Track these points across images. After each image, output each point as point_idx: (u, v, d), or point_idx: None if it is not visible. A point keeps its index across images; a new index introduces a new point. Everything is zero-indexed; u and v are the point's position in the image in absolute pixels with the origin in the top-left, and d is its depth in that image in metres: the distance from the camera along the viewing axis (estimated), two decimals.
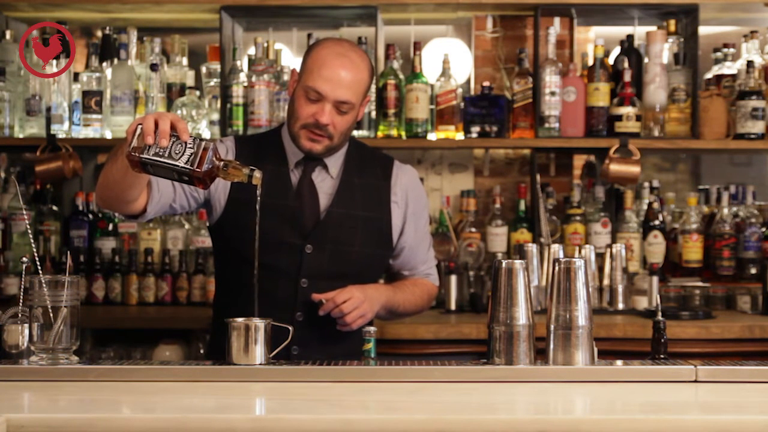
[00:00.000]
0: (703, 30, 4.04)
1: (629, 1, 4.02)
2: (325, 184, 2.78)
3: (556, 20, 4.18)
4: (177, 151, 2.19)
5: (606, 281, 3.83)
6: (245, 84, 3.95)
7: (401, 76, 4.00)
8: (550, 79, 3.97)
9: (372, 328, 2.48)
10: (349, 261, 2.77)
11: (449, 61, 4.06)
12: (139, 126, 2.23)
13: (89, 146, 4.04)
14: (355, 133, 3.96)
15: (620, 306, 3.82)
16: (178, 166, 2.19)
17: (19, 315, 2.31)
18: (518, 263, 2.26)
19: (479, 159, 4.35)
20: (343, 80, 2.65)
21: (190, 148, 2.19)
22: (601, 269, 3.83)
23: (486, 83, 4.07)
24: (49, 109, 3.93)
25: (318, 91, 2.65)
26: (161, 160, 2.20)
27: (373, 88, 3.99)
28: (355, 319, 2.65)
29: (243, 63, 4.03)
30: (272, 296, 2.67)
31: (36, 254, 2.40)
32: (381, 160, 2.90)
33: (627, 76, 3.96)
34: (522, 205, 4.10)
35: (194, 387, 2.17)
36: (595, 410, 2.06)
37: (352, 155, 2.83)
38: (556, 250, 3.64)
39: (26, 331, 2.29)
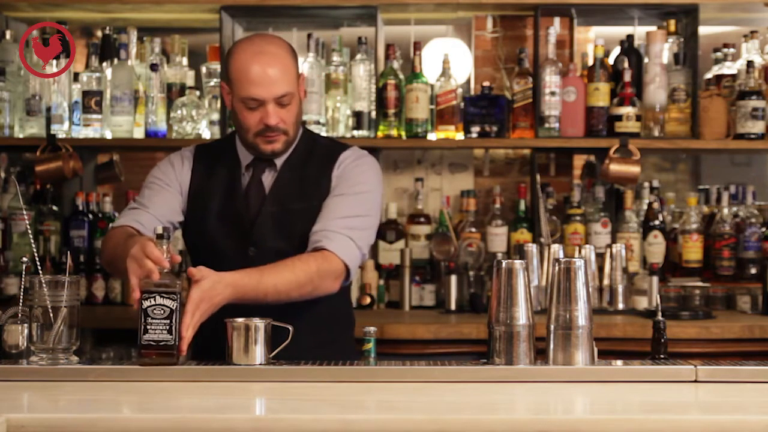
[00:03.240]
0: (703, 30, 4.04)
1: (629, 1, 4.02)
2: (271, 181, 2.78)
3: (556, 20, 4.18)
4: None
5: (606, 281, 3.83)
6: None
7: (401, 76, 4.00)
8: (550, 79, 3.97)
9: (372, 329, 2.48)
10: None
11: (449, 61, 4.06)
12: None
13: (89, 146, 4.04)
14: (355, 132, 3.96)
15: (620, 306, 3.82)
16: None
17: (19, 315, 2.31)
18: (518, 263, 2.26)
19: (479, 159, 4.35)
20: (271, 77, 2.64)
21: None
22: (601, 269, 3.83)
23: (486, 83, 4.07)
24: (49, 109, 3.93)
25: (254, 98, 2.64)
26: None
27: (373, 88, 4.00)
28: (189, 316, 2.35)
29: None
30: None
31: (36, 254, 2.41)
32: (330, 149, 2.83)
33: (627, 76, 3.96)
34: (522, 205, 4.10)
35: (194, 387, 2.17)
36: (595, 410, 2.06)
37: (300, 149, 2.80)
38: (556, 250, 3.64)
39: (26, 331, 2.30)
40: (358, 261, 2.69)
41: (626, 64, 4.01)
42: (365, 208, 2.74)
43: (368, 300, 3.98)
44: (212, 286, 2.38)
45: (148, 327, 2.25)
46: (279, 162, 2.78)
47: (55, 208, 4.03)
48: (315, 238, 2.66)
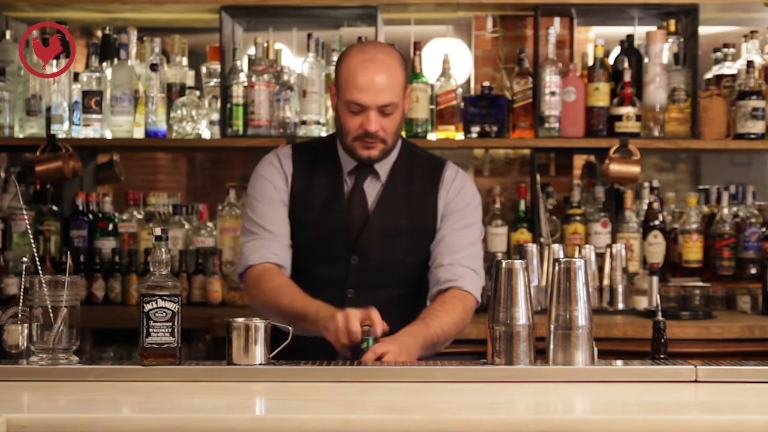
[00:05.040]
0: (703, 30, 4.04)
1: (629, 1, 4.02)
2: (375, 191, 2.80)
3: (556, 20, 4.17)
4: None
5: (606, 281, 3.83)
6: (245, 84, 3.95)
7: None
8: (550, 79, 3.97)
9: (369, 327, 2.48)
10: (394, 271, 2.79)
11: (449, 61, 4.06)
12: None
13: (89, 146, 4.04)
14: None
15: (620, 306, 3.82)
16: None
17: (19, 315, 2.31)
18: (518, 263, 2.26)
19: (479, 159, 4.34)
20: (378, 85, 2.66)
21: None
22: (601, 269, 3.83)
23: (486, 83, 4.07)
24: (49, 109, 3.93)
25: (358, 102, 2.67)
26: None
27: None
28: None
29: (243, 63, 4.03)
30: None
31: (36, 254, 2.40)
32: (431, 164, 2.89)
33: (627, 76, 3.96)
34: (522, 205, 4.10)
35: (194, 387, 2.17)
36: (595, 410, 2.06)
37: (402, 161, 2.84)
38: (556, 250, 3.64)
39: (26, 331, 2.29)
40: (481, 290, 2.82)
41: (626, 64, 4.01)
42: (478, 233, 2.84)
43: None
44: (401, 340, 2.50)
45: (151, 330, 2.25)
46: (382, 172, 2.81)
47: (55, 208, 4.03)
48: (445, 275, 2.73)
